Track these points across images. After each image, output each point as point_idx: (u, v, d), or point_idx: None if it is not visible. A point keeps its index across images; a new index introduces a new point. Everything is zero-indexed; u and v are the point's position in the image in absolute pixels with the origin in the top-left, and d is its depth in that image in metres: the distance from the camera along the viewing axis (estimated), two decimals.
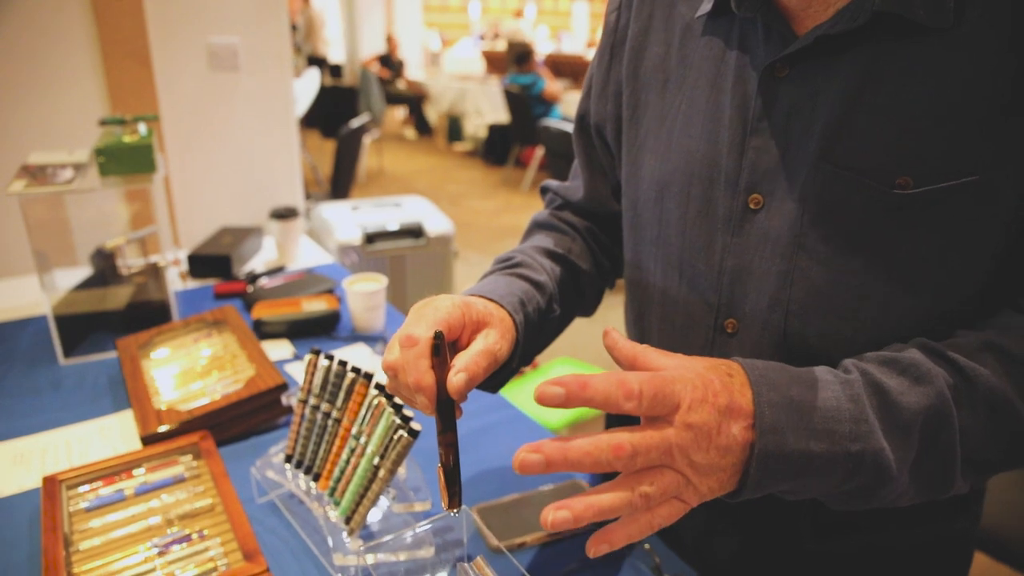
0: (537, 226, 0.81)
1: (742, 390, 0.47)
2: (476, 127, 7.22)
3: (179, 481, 0.80)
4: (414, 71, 9.09)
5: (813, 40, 0.53)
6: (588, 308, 0.81)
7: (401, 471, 0.78)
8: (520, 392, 2.06)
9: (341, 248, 2.51)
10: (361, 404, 0.72)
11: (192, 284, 1.45)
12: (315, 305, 1.25)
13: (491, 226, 4.94)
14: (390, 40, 8.69)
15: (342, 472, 0.72)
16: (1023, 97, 0.49)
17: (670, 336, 0.68)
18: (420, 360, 0.53)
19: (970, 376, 0.50)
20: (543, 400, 0.43)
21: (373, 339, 1.22)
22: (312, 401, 0.76)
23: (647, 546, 0.72)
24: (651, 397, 0.44)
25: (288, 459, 0.79)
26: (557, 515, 0.43)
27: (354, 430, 0.71)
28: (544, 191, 0.87)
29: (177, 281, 1.45)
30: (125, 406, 0.99)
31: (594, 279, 0.79)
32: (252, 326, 1.20)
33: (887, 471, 0.48)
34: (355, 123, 3.83)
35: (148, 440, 0.87)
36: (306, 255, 1.63)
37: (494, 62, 8.14)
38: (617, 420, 0.87)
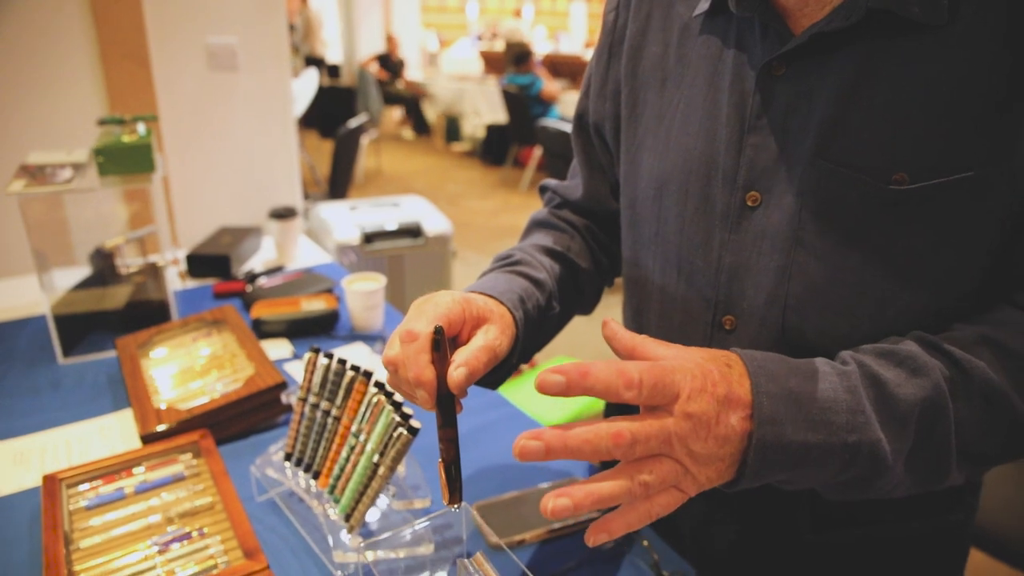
0: (536, 224, 0.81)
1: (740, 380, 0.47)
2: (474, 127, 7.22)
3: (179, 479, 0.80)
4: (412, 71, 9.09)
5: (809, 38, 0.53)
6: (587, 306, 0.82)
7: (401, 469, 0.78)
8: (519, 391, 2.06)
9: (340, 248, 2.51)
10: (361, 402, 0.72)
11: (191, 284, 1.45)
12: (314, 304, 1.25)
13: (489, 226, 4.94)
14: (390, 40, 8.69)
15: (342, 470, 0.72)
16: (1017, 93, 0.49)
17: (668, 333, 0.69)
18: (420, 355, 0.53)
19: (966, 368, 0.51)
20: (544, 388, 0.43)
21: (372, 338, 1.23)
22: (312, 399, 0.77)
23: (645, 542, 0.72)
24: (651, 386, 0.44)
25: (288, 457, 0.79)
26: (557, 502, 0.43)
27: (354, 428, 0.72)
28: (543, 190, 0.88)
29: (176, 281, 1.45)
30: (124, 405, 0.99)
31: (593, 277, 0.79)
32: (251, 325, 1.20)
33: (883, 462, 0.48)
34: (353, 123, 3.83)
35: (148, 439, 0.87)
36: (305, 255, 1.63)
37: (492, 62, 8.14)
38: (619, 414, 0.88)
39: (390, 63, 8.39)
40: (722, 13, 0.61)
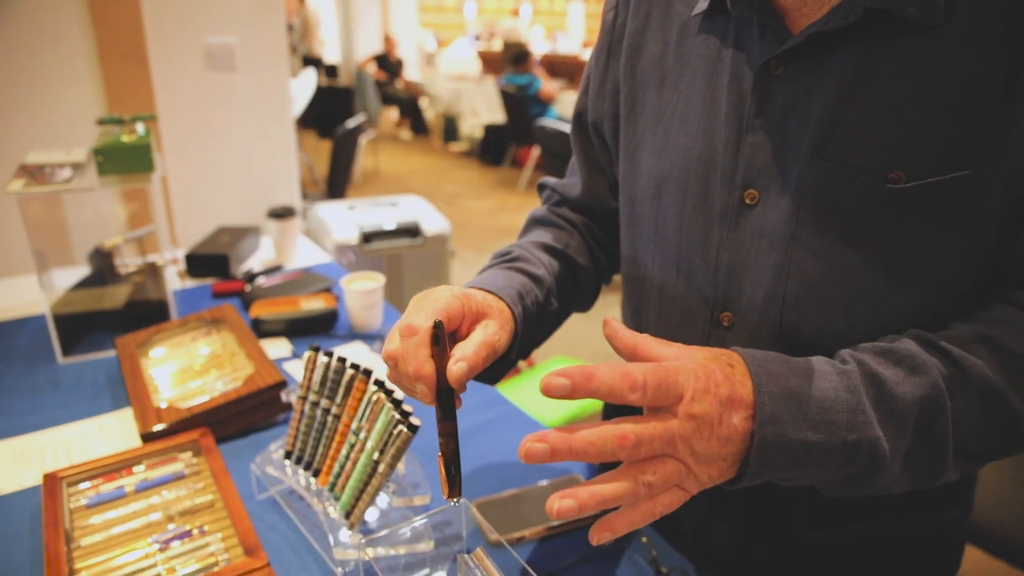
0: (535, 222, 0.82)
1: (743, 380, 0.48)
2: (472, 127, 7.23)
3: (179, 478, 0.80)
4: (410, 71, 9.09)
5: (807, 38, 0.54)
6: (585, 303, 0.82)
7: (400, 466, 0.79)
8: (517, 389, 2.06)
9: (338, 247, 2.51)
10: (360, 400, 0.72)
11: (190, 283, 1.45)
12: (313, 304, 1.25)
13: (487, 226, 4.94)
14: (388, 40, 8.68)
15: (342, 467, 0.72)
16: (1013, 93, 0.50)
17: (667, 331, 0.69)
18: (420, 349, 0.53)
19: (964, 367, 0.51)
20: (549, 391, 0.44)
21: (371, 337, 1.23)
22: (312, 397, 0.77)
23: (644, 539, 0.72)
24: (655, 388, 0.44)
25: (288, 455, 0.79)
26: (562, 504, 0.43)
27: (353, 426, 0.72)
28: (541, 188, 0.88)
29: (175, 280, 1.45)
30: (124, 404, 1.00)
31: (591, 274, 0.80)
32: (250, 325, 1.20)
33: (882, 460, 0.49)
34: (351, 123, 3.83)
35: (148, 437, 0.87)
36: (303, 254, 1.63)
37: (490, 62, 8.14)
38: (617, 413, 0.88)
39: (388, 63, 8.39)
40: (721, 13, 0.61)
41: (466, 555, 0.60)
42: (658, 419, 0.45)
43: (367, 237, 2.54)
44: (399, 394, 0.70)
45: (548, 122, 4.36)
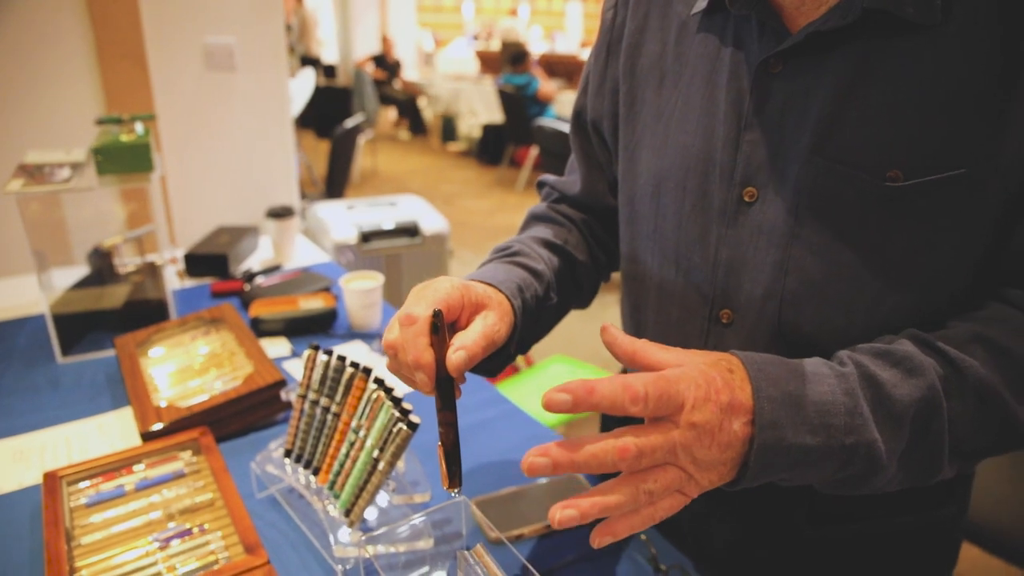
0: (534, 218, 0.82)
1: (742, 385, 0.48)
2: (470, 127, 7.23)
3: (179, 476, 0.81)
4: (409, 71, 9.09)
5: (805, 37, 0.54)
6: (584, 299, 0.82)
7: (400, 464, 0.79)
8: (516, 388, 2.06)
9: (337, 247, 2.51)
10: (360, 398, 0.72)
11: (189, 283, 1.45)
12: (312, 303, 1.25)
13: (486, 225, 4.94)
14: (385, 40, 8.68)
15: (341, 466, 0.72)
16: (1010, 92, 0.50)
17: (666, 328, 0.69)
18: (419, 338, 0.54)
19: (960, 367, 0.51)
20: (551, 407, 0.44)
21: (370, 336, 1.23)
22: (311, 396, 0.77)
23: (643, 536, 0.73)
24: (656, 399, 0.45)
25: (288, 454, 0.79)
26: (564, 513, 0.44)
27: (353, 424, 0.72)
28: (540, 185, 0.88)
29: (175, 280, 1.45)
30: (124, 403, 1.00)
31: (590, 270, 0.80)
32: (249, 324, 1.20)
33: (878, 461, 0.49)
34: (349, 123, 3.83)
35: (147, 436, 0.87)
36: (302, 254, 1.64)
37: (488, 62, 8.14)
38: (614, 417, 0.88)
39: (386, 64, 8.39)
40: (719, 11, 0.61)
41: (466, 552, 0.60)
42: (659, 430, 0.45)
43: (366, 237, 2.55)
44: (399, 392, 0.70)
45: (547, 122, 4.36)
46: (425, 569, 0.68)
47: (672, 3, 0.66)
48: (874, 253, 0.55)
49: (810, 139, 0.56)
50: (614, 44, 0.72)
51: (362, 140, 5.68)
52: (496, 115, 6.51)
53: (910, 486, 0.54)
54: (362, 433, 0.70)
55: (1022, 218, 0.53)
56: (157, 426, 0.88)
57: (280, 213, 1.57)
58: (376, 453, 0.68)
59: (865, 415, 0.49)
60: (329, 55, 9.26)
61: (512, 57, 5.99)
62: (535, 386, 2.09)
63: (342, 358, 0.75)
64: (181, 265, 1.48)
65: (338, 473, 0.73)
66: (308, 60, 7.71)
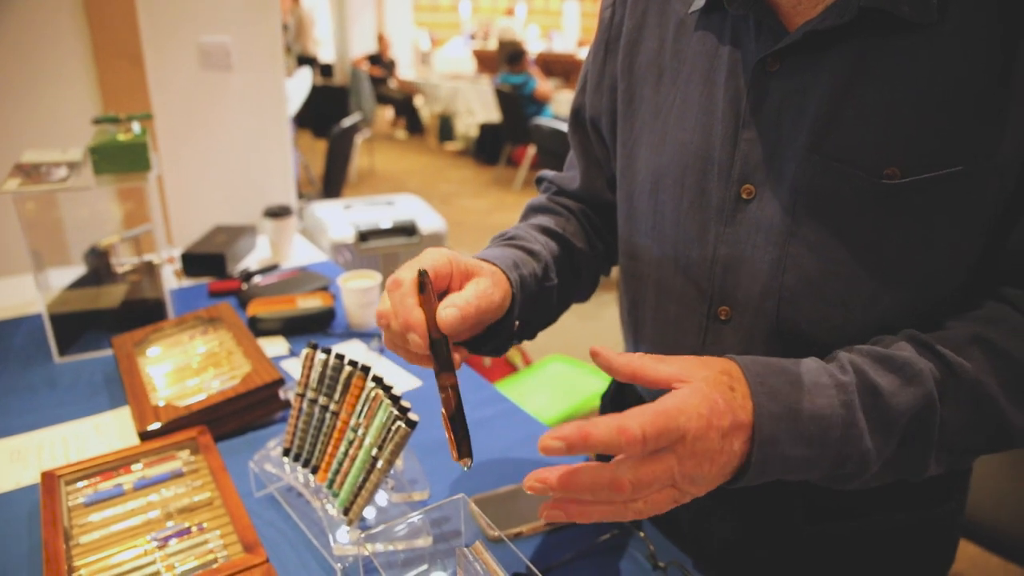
0: (532, 210, 0.82)
1: (743, 404, 0.49)
2: (467, 126, 7.23)
3: (177, 476, 0.81)
4: (405, 70, 9.08)
5: (802, 35, 0.54)
6: (584, 289, 0.81)
7: (399, 462, 0.79)
8: (515, 387, 2.07)
9: (334, 246, 2.51)
10: (358, 397, 0.73)
11: (186, 282, 1.45)
12: (310, 302, 1.25)
13: (483, 225, 4.95)
14: (381, 39, 8.68)
15: (340, 464, 0.72)
16: (1008, 90, 0.50)
17: (664, 325, 0.69)
18: (407, 298, 0.54)
19: (957, 372, 0.52)
20: (546, 453, 0.45)
21: (368, 335, 1.23)
22: (310, 395, 0.77)
23: (642, 534, 0.73)
24: (655, 438, 0.45)
25: (286, 452, 0.79)
26: (551, 513, 0.47)
27: (352, 422, 0.72)
28: (539, 181, 0.88)
29: (172, 279, 1.45)
30: (121, 403, 1.00)
31: (589, 258, 0.79)
32: (247, 323, 1.20)
33: (868, 466, 0.51)
34: (347, 123, 3.83)
35: (145, 436, 0.87)
36: (299, 253, 1.63)
37: (485, 61, 8.14)
38: (614, 411, 0.88)
39: (381, 63, 8.38)
40: (717, 10, 0.62)
41: (465, 549, 0.60)
42: (657, 460, 0.46)
43: (363, 236, 2.55)
44: (397, 390, 0.70)
45: (544, 121, 4.37)
46: (424, 567, 0.69)
47: (670, 1, 0.66)
48: (871, 251, 0.55)
49: (807, 137, 0.56)
50: (612, 42, 0.72)
51: (359, 139, 5.68)
52: (493, 114, 6.52)
53: (892, 481, 0.55)
54: (361, 431, 0.71)
55: (1019, 216, 0.53)
56: (155, 425, 0.88)
57: (277, 212, 1.57)
58: (375, 451, 0.68)
59: (861, 427, 0.50)
60: (326, 54, 9.25)
61: (509, 56, 5.99)
62: (533, 385, 2.10)
63: (340, 356, 0.75)
64: (178, 264, 1.47)
65: (337, 471, 0.73)
66: (305, 59, 7.70)
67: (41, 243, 1.12)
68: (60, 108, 1.66)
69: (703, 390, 0.48)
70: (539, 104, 5.87)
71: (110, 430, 0.94)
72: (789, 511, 0.69)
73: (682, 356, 0.52)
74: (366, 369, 0.73)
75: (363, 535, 0.68)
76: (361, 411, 0.71)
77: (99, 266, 1.27)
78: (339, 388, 0.74)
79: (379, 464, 0.68)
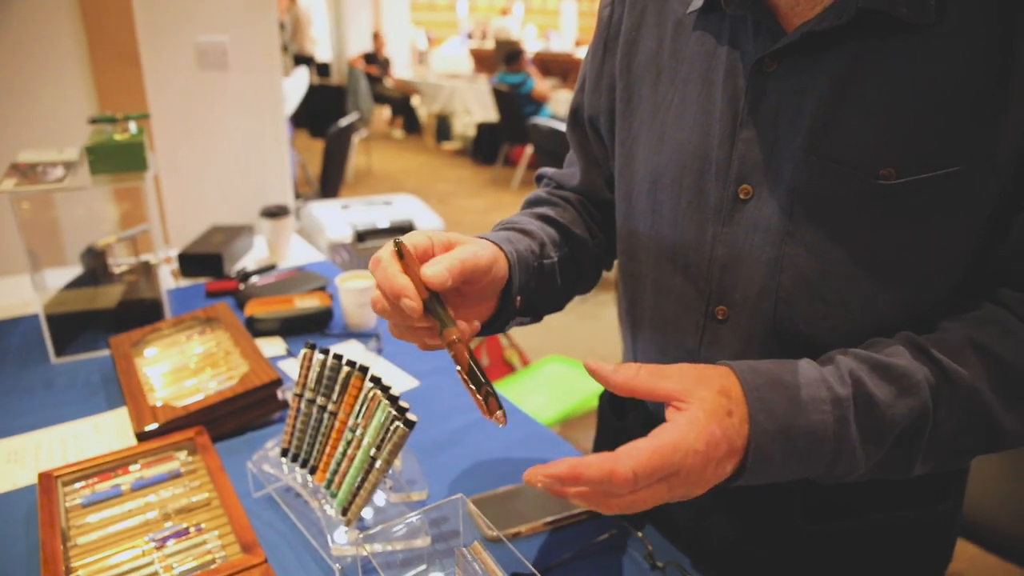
0: (530, 202, 0.82)
1: (740, 429, 0.49)
2: (465, 126, 7.22)
3: (175, 476, 0.80)
4: (402, 70, 9.07)
5: (800, 36, 0.54)
6: (586, 278, 0.80)
7: (397, 462, 0.79)
8: (513, 387, 2.07)
9: (332, 246, 2.51)
10: (357, 397, 0.72)
11: (183, 282, 1.45)
12: (307, 302, 1.25)
13: (481, 224, 4.94)
14: (376, 37, 8.66)
15: (338, 464, 0.72)
16: (1005, 91, 0.50)
17: (662, 324, 0.69)
18: (388, 269, 0.54)
19: (952, 378, 0.53)
20: (535, 486, 0.47)
21: (366, 336, 1.23)
22: (308, 395, 0.77)
23: (640, 534, 0.73)
24: (648, 476, 0.46)
25: (284, 453, 0.79)
26: (546, 481, 0.47)
27: (350, 422, 0.72)
28: (539, 178, 0.88)
29: (169, 279, 1.44)
30: (119, 403, 0.99)
31: (589, 247, 0.78)
32: (245, 323, 1.20)
33: (855, 471, 0.53)
34: (344, 122, 3.83)
35: (143, 436, 0.87)
36: (297, 253, 1.63)
37: (482, 61, 8.14)
38: (612, 412, 0.89)
39: (376, 62, 8.37)
40: (715, 10, 0.62)
41: (464, 549, 0.60)
42: (649, 489, 0.47)
43: (361, 236, 2.54)
44: (395, 390, 0.70)
45: (541, 120, 4.36)
46: (423, 567, 0.69)
47: (668, 1, 0.66)
48: (868, 251, 0.56)
49: (804, 138, 0.56)
50: (611, 41, 0.72)
51: (356, 139, 5.67)
52: (491, 114, 6.51)
53: (881, 479, 0.56)
54: (359, 431, 0.70)
55: (1015, 217, 0.53)
56: (152, 426, 0.87)
57: (275, 212, 1.57)
58: (373, 451, 0.68)
59: (853, 439, 0.51)
60: (323, 53, 9.24)
61: (507, 56, 5.99)
62: (532, 385, 2.10)
63: (339, 357, 0.75)
64: (175, 265, 1.47)
65: (335, 472, 0.73)
66: (301, 59, 7.68)
67: (37, 243, 1.12)
68: (56, 108, 1.65)
69: (700, 421, 0.48)
70: (537, 104, 5.86)
71: (108, 431, 0.93)
72: (787, 510, 0.69)
73: (680, 367, 0.52)
74: (364, 369, 0.73)
75: (361, 535, 0.68)
76: (359, 411, 0.71)
77: (96, 266, 1.26)
78: (337, 388, 0.74)
79: (377, 464, 0.68)
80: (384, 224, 2.60)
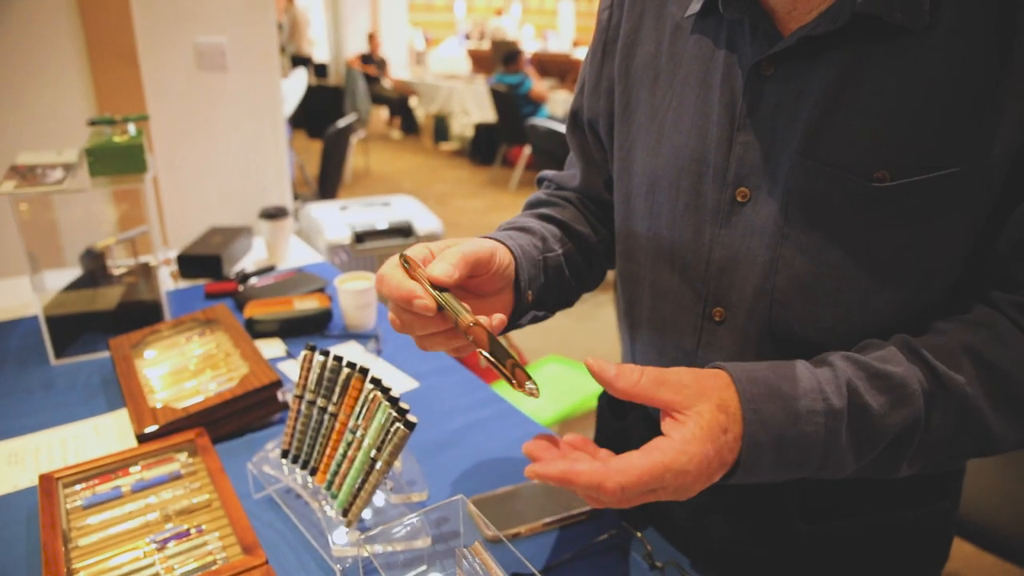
0: (529, 204, 0.82)
1: (733, 445, 0.50)
2: (463, 126, 7.22)
3: (175, 478, 0.81)
4: (400, 70, 9.07)
5: (797, 41, 0.55)
6: (591, 274, 0.80)
7: (397, 464, 0.79)
8: (511, 388, 2.06)
9: (331, 247, 2.51)
10: (357, 399, 0.73)
11: (182, 284, 1.45)
12: (307, 304, 1.25)
13: (479, 225, 4.95)
14: (372, 38, 8.66)
15: (339, 466, 0.73)
16: (998, 92, 0.51)
17: (660, 325, 0.70)
18: (395, 278, 0.55)
19: (946, 383, 0.53)
20: (534, 479, 0.48)
21: (365, 337, 1.23)
22: (308, 397, 0.77)
23: (639, 534, 0.73)
24: (635, 489, 0.47)
25: (285, 454, 0.79)
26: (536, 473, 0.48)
27: (350, 424, 0.72)
28: (540, 181, 0.88)
29: (168, 281, 1.44)
30: (119, 405, 1.00)
31: (592, 242, 0.79)
32: (244, 325, 1.20)
33: (841, 473, 0.54)
34: (342, 123, 3.83)
35: (143, 438, 0.87)
36: (296, 255, 1.63)
37: (480, 61, 8.14)
38: (612, 412, 0.89)
39: (373, 61, 8.37)
40: (713, 14, 0.62)
41: (465, 549, 0.61)
42: (639, 497, 0.48)
43: (359, 237, 2.55)
44: (396, 392, 0.70)
45: (540, 121, 4.37)
46: (423, 568, 0.69)
47: (666, 4, 0.67)
48: (862, 252, 0.56)
49: (799, 141, 0.56)
50: (610, 44, 0.73)
51: (354, 140, 5.67)
52: (489, 114, 6.51)
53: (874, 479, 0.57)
54: (359, 433, 0.71)
55: (1006, 219, 0.54)
56: (152, 428, 0.88)
57: (273, 214, 1.57)
58: (373, 453, 0.68)
59: (842, 447, 0.52)
60: (320, 54, 9.23)
61: (505, 56, 5.99)
62: None
63: (339, 358, 0.76)
64: (174, 266, 1.47)
65: (335, 473, 0.73)
66: (299, 59, 7.68)
67: (37, 245, 1.12)
68: (55, 110, 1.65)
69: (696, 440, 0.48)
70: (535, 104, 5.87)
71: (108, 432, 0.94)
72: (786, 510, 0.69)
73: (681, 374, 0.52)
74: (364, 371, 0.73)
75: (362, 536, 0.68)
76: (360, 413, 0.71)
77: (95, 268, 1.26)
78: (337, 390, 0.75)
79: (378, 465, 0.68)
80: (383, 225, 2.60)
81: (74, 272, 1.26)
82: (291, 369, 1.10)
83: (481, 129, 6.76)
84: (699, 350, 0.66)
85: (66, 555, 0.68)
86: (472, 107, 6.98)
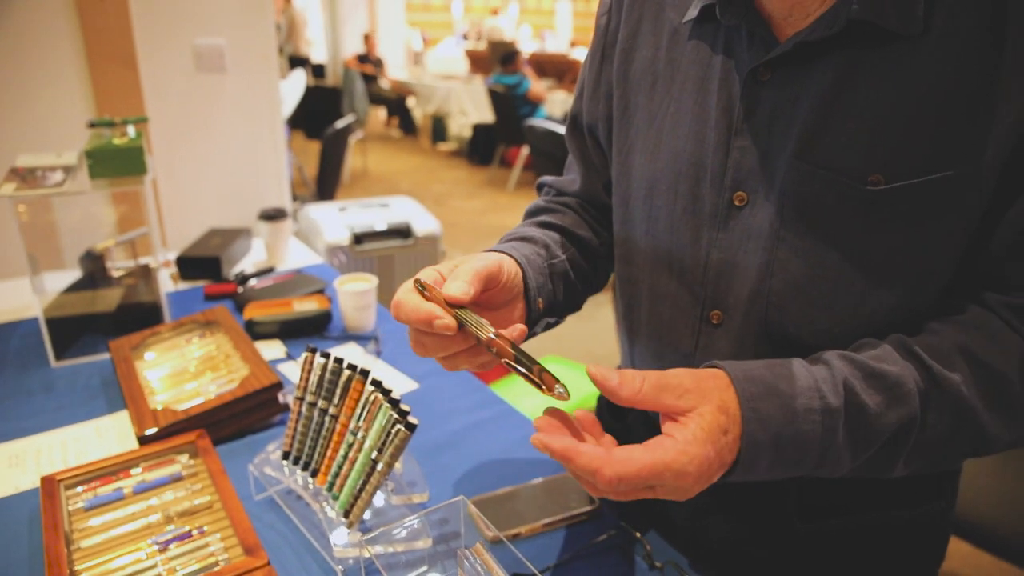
0: (529, 213, 0.83)
1: (733, 446, 0.51)
2: (461, 127, 7.22)
3: (177, 479, 0.81)
4: (397, 71, 9.07)
5: (793, 46, 0.55)
6: (596, 277, 0.80)
7: (398, 465, 0.80)
8: (511, 389, 2.07)
9: (329, 249, 2.51)
10: (358, 400, 0.73)
11: (182, 286, 1.45)
12: (306, 305, 1.26)
13: (477, 225, 4.95)
14: (368, 38, 8.65)
15: (340, 467, 0.73)
16: (991, 96, 0.51)
17: (658, 328, 0.70)
18: (411, 302, 0.55)
19: (941, 384, 0.54)
20: (538, 448, 0.49)
21: (364, 338, 1.24)
22: (309, 398, 0.78)
23: (638, 534, 0.74)
24: (631, 483, 0.47)
25: (286, 456, 0.80)
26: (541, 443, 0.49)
27: (351, 425, 0.73)
28: (540, 186, 0.89)
29: (168, 282, 1.45)
30: (119, 407, 1.00)
31: (594, 246, 0.79)
32: (244, 327, 1.20)
33: (837, 472, 0.54)
34: (340, 124, 3.83)
35: (144, 440, 0.88)
36: (295, 256, 1.64)
37: (478, 62, 8.14)
38: (611, 413, 0.89)
39: (369, 61, 8.36)
40: (710, 20, 0.63)
41: (466, 550, 0.61)
42: (636, 491, 0.49)
43: (358, 238, 2.55)
44: (396, 393, 0.71)
45: (537, 121, 4.37)
46: (424, 569, 0.69)
47: (664, 9, 0.67)
48: (857, 255, 0.57)
49: (795, 145, 0.57)
50: (608, 49, 0.73)
51: (352, 140, 5.67)
52: (486, 115, 6.52)
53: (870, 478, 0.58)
54: (360, 434, 0.71)
55: (998, 221, 0.54)
56: (153, 429, 0.88)
57: (273, 215, 1.57)
58: (374, 454, 0.69)
59: (839, 446, 0.52)
60: (318, 55, 9.23)
61: (503, 57, 6.00)
62: (529, 386, 2.10)
63: (339, 360, 0.76)
64: (174, 268, 1.47)
65: (336, 474, 0.73)
66: (297, 60, 7.67)
67: (37, 247, 1.12)
68: (54, 111, 1.65)
69: (698, 442, 0.49)
70: (533, 105, 5.87)
71: (109, 434, 0.94)
72: (784, 510, 0.70)
73: (681, 378, 0.52)
74: (365, 373, 0.74)
75: (363, 537, 0.69)
76: (361, 414, 0.72)
77: (95, 270, 1.27)
78: (338, 392, 0.75)
79: (379, 467, 0.68)
80: (381, 226, 2.60)
81: (74, 274, 1.26)
82: (291, 371, 1.11)
83: (479, 129, 6.76)
84: (697, 353, 0.67)
85: (68, 557, 0.69)
86: (470, 107, 6.98)
